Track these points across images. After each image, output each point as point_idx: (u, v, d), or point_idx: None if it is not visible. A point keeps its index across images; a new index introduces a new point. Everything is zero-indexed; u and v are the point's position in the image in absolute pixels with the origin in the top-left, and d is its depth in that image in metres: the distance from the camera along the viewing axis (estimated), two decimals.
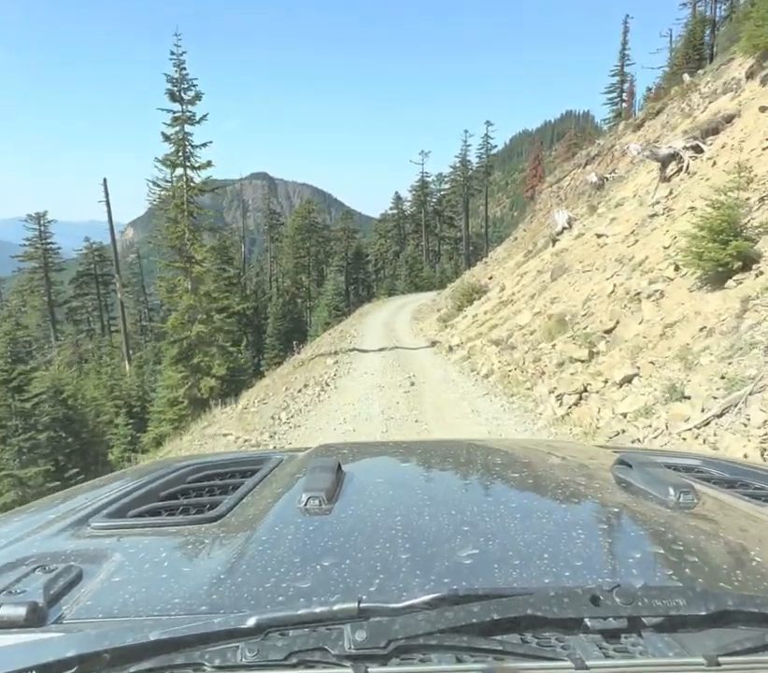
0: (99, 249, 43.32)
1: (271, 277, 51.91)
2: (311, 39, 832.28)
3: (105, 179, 27.99)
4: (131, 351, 30.80)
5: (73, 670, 0.57)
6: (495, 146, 59.15)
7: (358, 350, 15.91)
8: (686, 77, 20.65)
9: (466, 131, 57.65)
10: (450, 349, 13.86)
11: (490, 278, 21.64)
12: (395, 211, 60.56)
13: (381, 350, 15.47)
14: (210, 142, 20.09)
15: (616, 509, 0.99)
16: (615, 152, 21.22)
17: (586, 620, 0.61)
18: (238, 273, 43.81)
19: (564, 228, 15.93)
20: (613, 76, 46.78)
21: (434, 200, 60.19)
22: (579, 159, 25.35)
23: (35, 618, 0.67)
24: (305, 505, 0.97)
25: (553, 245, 15.80)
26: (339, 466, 1.14)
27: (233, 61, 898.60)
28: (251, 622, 0.59)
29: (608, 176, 18.19)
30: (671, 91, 21.18)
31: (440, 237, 60.57)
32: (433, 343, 15.82)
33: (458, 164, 58.62)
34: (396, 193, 60.89)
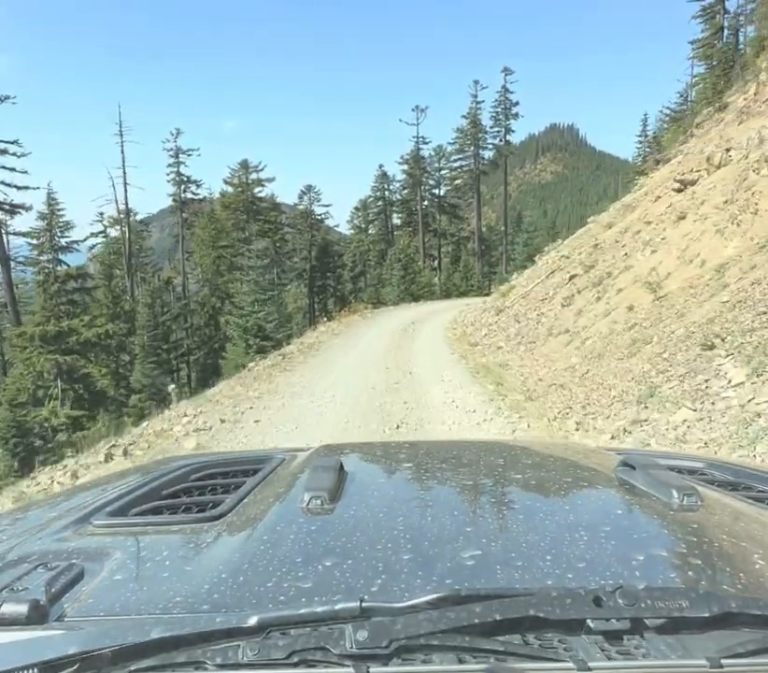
0: None
1: (185, 282, 32.95)
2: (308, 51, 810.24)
3: None
4: None
5: (74, 668, 0.57)
6: (516, 102, 42.18)
7: None
8: None
9: (477, 82, 40.94)
10: None
11: None
12: (380, 194, 43.44)
13: None
14: None
15: (619, 511, 0.98)
16: None
17: (588, 621, 0.60)
18: (108, 270, 25.10)
19: None
20: None
21: (432, 181, 43.40)
22: None
23: (37, 615, 0.66)
24: (308, 504, 0.95)
25: None
26: (341, 466, 1.12)
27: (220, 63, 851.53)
28: (253, 621, 0.59)
29: None
30: None
31: (440, 234, 43.57)
32: None
33: (466, 127, 41.78)
34: (380, 166, 43.70)
